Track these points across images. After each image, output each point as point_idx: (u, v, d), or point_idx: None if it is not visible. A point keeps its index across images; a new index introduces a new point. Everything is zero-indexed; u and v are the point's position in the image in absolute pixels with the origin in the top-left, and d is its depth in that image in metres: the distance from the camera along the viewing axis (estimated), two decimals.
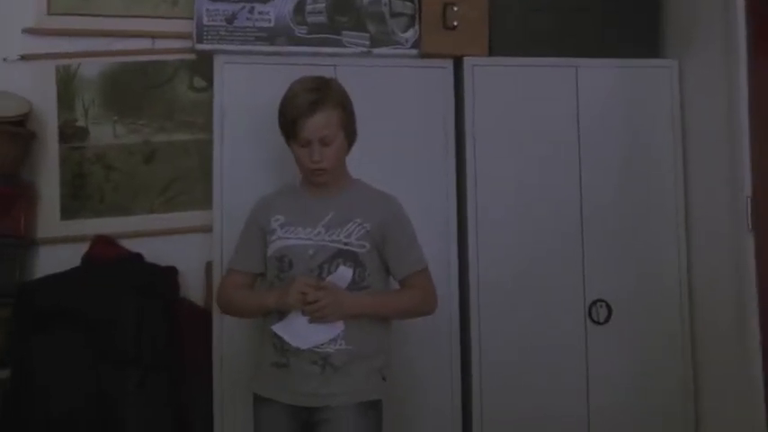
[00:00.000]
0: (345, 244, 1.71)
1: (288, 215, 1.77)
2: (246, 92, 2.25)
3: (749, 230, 2.04)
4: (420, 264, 1.81)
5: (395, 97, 2.34)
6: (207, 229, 2.33)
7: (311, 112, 1.70)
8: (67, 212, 2.46)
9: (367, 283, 1.73)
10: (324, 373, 1.68)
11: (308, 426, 1.70)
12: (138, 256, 2.39)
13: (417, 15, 2.38)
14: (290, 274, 1.71)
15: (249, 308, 1.82)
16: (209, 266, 2.37)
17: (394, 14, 2.39)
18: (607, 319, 2.32)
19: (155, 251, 2.41)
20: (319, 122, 1.70)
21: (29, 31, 2.47)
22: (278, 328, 1.69)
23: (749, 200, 2.05)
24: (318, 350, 1.67)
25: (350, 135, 1.81)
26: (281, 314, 1.71)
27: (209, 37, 2.30)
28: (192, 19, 2.33)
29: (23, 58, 2.45)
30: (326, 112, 1.71)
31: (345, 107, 1.77)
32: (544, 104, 2.38)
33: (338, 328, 1.68)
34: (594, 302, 2.33)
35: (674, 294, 2.36)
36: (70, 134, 2.47)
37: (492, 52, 2.39)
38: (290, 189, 1.89)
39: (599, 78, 2.41)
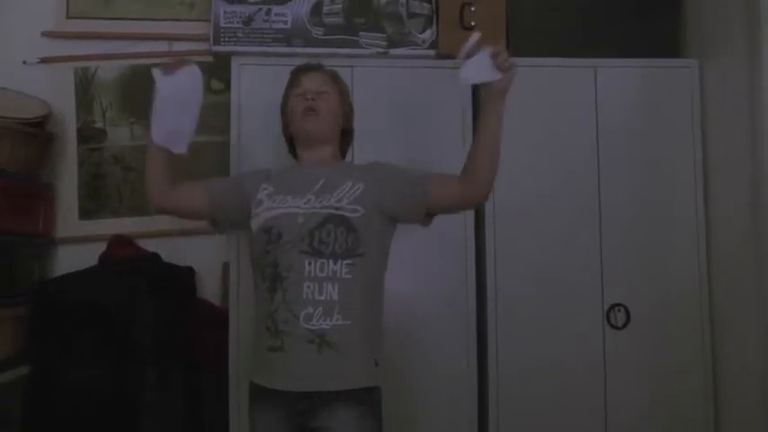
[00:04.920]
0: (336, 209, 1.66)
1: (277, 185, 1.75)
2: (264, 93, 2.24)
3: None
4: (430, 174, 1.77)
5: (412, 98, 2.32)
6: None
7: (311, 69, 1.84)
8: (86, 213, 2.48)
9: (362, 250, 1.65)
10: (321, 353, 1.60)
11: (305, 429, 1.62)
12: (156, 256, 2.40)
13: (435, 16, 2.37)
14: (278, 245, 1.65)
15: None
16: (225, 267, 2.38)
17: (411, 15, 2.37)
18: (626, 324, 2.30)
19: (172, 251, 2.42)
20: (318, 78, 1.82)
21: (48, 35, 2.49)
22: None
23: None
24: (314, 327, 1.60)
25: (347, 120, 1.86)
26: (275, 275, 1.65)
27: (227, 39, 2.31)
28: (209, 21, 2.33)
29: (43, 60, 2.47)
30: (326, 75, 1.84)
31: (343, 88, 1.87)
32: (563, 106, 2.36)
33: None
34: (613, 307, 2.30)
35: (693, 299, 2.33)
36: (88, 136, 2.49)
37: (510, 53, 2.36)
38: (284, 165, 1.92)
39: (618, 79, 2.38)
